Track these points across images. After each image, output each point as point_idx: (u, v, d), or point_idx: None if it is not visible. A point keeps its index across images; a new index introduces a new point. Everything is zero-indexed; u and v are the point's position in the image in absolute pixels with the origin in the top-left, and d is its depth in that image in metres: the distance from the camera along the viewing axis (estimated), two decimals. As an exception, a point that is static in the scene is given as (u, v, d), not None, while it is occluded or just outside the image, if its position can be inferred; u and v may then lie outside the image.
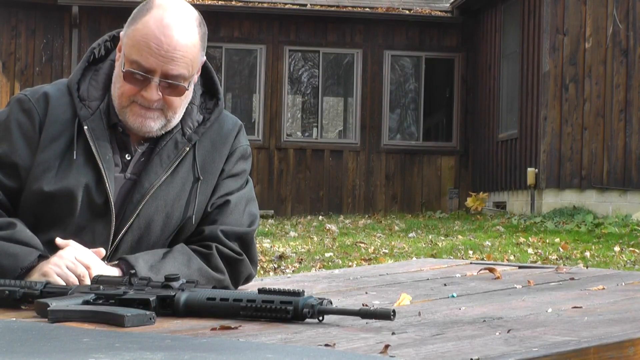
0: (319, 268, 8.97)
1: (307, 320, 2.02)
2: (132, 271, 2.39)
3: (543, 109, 15.20)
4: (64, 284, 2.35)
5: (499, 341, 1.79)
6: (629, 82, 15.25)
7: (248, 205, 2.68)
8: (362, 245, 11.33)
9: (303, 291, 2.05)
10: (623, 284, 2.84)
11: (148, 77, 2.50)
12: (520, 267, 3.39)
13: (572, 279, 2.96)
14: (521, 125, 16.04)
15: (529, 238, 11.82)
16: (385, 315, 1.94)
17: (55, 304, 2.05)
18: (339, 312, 2.02)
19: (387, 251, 10.61)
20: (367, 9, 18.40)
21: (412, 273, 3.18)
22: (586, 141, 15.20)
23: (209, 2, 17.91)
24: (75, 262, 2.40)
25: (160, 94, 2.52)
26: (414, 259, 7.58)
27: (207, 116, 2.67)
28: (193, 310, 2.11)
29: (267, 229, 13.78)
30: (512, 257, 9.76)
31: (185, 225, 2.61)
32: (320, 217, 16.64)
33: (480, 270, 3.12)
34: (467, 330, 1.93)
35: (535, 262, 9.18)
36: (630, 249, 10.67)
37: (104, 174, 2.54)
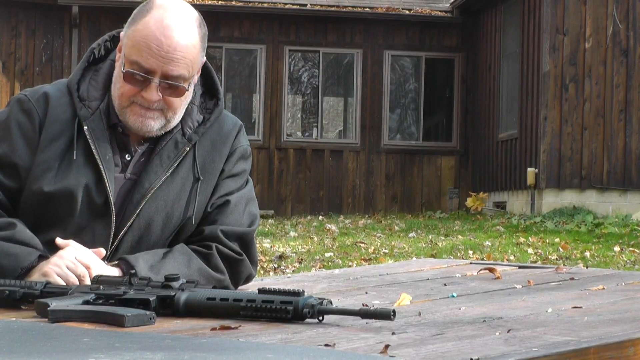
0: (319, 268, 8.97)
1: (307, 320, 2.02)
2: (132, 271, 2.39)
3: (543, 109, 15.20)
4: (64, 284, 2.35)
5: (499, 341, 1.79)
6: (629, 82, 15.25)
7: (248, 205, 2.68)
8: (362, 245, 11.33)
9: (303, 291, 2.05)
10: (623, 284, 2.84)
11: (148, 78, 2.50)
12: (520, 267, 3.39)
13: (572, 279, 2.96)
14: (521, 125, 16.04)
15: (529, 238, 11.82)
16: (385, 315, 1.94)
17: (55, 304, 2.06)
18: (339, 312, 2.02)
19: (387, 251, 10.61)
20: (367, 9, 18.41)
21: (412, 273, 3.18)
22: (586, 141, 15.20)
23: (209, 2, 17.91)
24: (75, 262, 2.40)
25: (160, 94, 2.52)
26: (414, 259, 7.58)
27: (207, 116, 2.67)
28: (193, 310, 2.11)
29: (267, 229, 13.78)
30: (512, 257, 9.76)
31: (185, 226, 2.61)
32: (320, 217, 16.64)
33: (480, 270, 3.12)
34: (467, 330, 1.93)
35: (535, 262, 9.18)
36: (630, 249, 10.67)
37: (104, 174, 2.54)
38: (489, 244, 11.17)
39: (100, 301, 2.13)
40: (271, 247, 11.06)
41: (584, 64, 15.24)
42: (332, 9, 18.26)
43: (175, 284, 2.16)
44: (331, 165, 18.22)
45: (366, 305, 2.24)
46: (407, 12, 18.51)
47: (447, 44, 18.60)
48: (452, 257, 9.70)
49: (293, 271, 8.77)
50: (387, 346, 1.69)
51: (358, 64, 18.43)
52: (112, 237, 2.55)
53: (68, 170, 2.54)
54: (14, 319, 2.07)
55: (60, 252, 2.43)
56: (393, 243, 11.51)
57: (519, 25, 16.35)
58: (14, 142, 2.56)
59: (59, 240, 2.47)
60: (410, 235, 12.88)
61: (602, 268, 8.00)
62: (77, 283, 2.36)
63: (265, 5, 18.17)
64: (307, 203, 18.06)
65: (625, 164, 15.19)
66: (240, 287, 2.65)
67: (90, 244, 2.49)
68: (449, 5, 18.53)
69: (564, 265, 7.57)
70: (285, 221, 16.01)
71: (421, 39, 18.56)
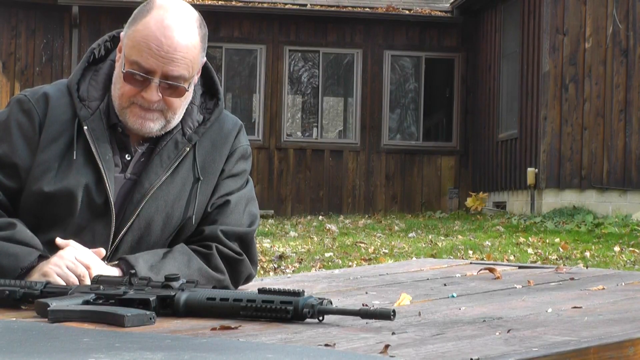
0: (319, 268, 8.97)
1: (307, 320, 2.02)
2: (132, 271, 2.38)
3: (543, 109, 15.20)
4: (64, 284, 2.35)
5: (499, 341, 1.79)
6: (629, 82, 15.25)
7: (248, 205, 2.68)
8: (362, 245, 11.33)
9: (303, 291, 2.05)
10: (623, 284, 2.84)
11: (148, 78, 2.50)
12: (520, 267, 3.39)
13: (572, 279, 2.96)
14: (521, 125, 16.04)
15: (529, 238, 11.82)
16: (385, 315, 1.94)
17: (55, 304, 2.06)
18: (339, 312, 2.02)
19: (387, 251, 10.61)
20: (367, 9, 18.40)
21: (412, 273, 3.18)
22: (586, 141, 15.20)
23: (209, 2, 17.91)
24: (76, 262, 2.40)
25: (160, 94, 2.52)
26: (414, 259, 7.58)
27: (207, 116, 2.67)
28: (193, 310, 2.11)
29: (267, 229, 13.78)
30: (512, 257, 9.76)
31: (186, 226, 2.61)
32: (320, 217, 16.64)
33: (480, 270, 3.12)
34: (467, 330, 1.93)
35: (535, 262, 9.18)
36: (630, 249, 10.67)
37: (103, 174, 2.54)
38: (489, 244, 11.17)
39: (100, 301, 2.13)
40: (271, 247, 11.06)
41: (584, 64, 15.24)
42: (332, 9, 18.26)
43: (175, 284, 2.16)
44: (331, 165, 18.22)
45: (366, 305, 2.24)
46: (407, 12, 18.51)
47: (447, 44, 18.60)
48: (452, 257, 9.70)
49: (293, 271, 8.77)
50: (387, 346, 1.69)
51: (358, 64, 18.43)
52: (112, 237, 2.55)
53: (68, 171, 2.54)
54: (14, 319, 2.07)
55: (60, 252, 2.43)
56: (393, 243, 11.51)
57: (519, 25, 16.35)
58: (14, 143, 2.56)
59: (59, 240, 2.47)
60: (410, 235, 12.88)
61: (602, 268, 8.01)
62: (77, 283, 2.36)
63: (265, 5, 18.18)
64: (307, 203, 18.06)
65: (625, 164, 15.19)
66: (240, 287, 2.65)
67: (90, 244, 2.49)
68: (449, 5, 18.53)
69: (564, 265, 7.57)
70: (285, 221, 16.01)
71: (421, 39, 18.56)
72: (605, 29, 15.23)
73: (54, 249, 2.46)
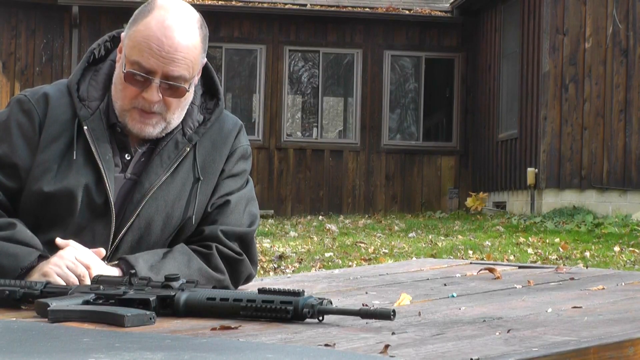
0: (319, 268, 8.97)
1: (307, 320, 2.02)
2: (132, 271, 2.38)
3: (543, 109, 15.20)
4: (64, 284, 2.35)
5: (499, 341, 1.79)
6: (629, 82, 15.25)
7: (248, 205, 2.68)
8: (362, 245, 11.33)
9: (303, 291, 2.05)
10: (623, 284, 2.84)
11: (149, 78, 2.50)
12: (520, 267, 3.38)
13: (572, 279, 2.96)
14: (521, 125, 16.04)
15: (529, 238, 11.82)
16: (385, 315, 1.94)
17: (55, 304, 2.05)
18: (339, 312, 2.02)
19: (387, 251, 10.61)
20: (367, 9, 18.41)
21: (412, 273, 3.18)
22: (586, 141, 15.20)
23: (209, 2, 17.91)
24: (75, 262, 2.40)
25: (161, 95, 2.52)
26: (414, 259, 7.58)
27: (207, 116, 2.67)
28: (193, 310, 2.11)
29: (267, 229, 13.78)
30: (512, 257, 9.76)
31: (185, 226, 2.61)
32: (320, 217, 16.64)
33: (480, 270, 3.12)
34: (467, 330, 1.93)
35: (535, 262, 9.18)
36: (630, 249, 10.67)
37: (103, 174, 2.54)
38: (489, 244, 11.17)
39: (100, 301, 2.13)
40: (271, 247, 11.06)
41: (584, 64, 15.24)
42: (332, 9, 18.26)
43: (175, 284, 2.16)
44: (331, 165, 18.22)
45: (366, 305, 2.24)
46: (407, 12, 18.51)
47: (447, 44, 18.60)
48: (452, 257, 9.70)
49: (293, 271, 8.77)
50: (387, 346, 1.69)
51: (358, 64, 18.43)
52: (112, 237, 2.55)
53: (68, 171, 2.54)
54: (14, 319, 2.07)
55: (60, 252, 2.43)
56: (393, 243, 11.51)
57: (518, 25, 16.35)
58: (14, 143, 2.56)
59: (58, 240, 2.47)
60: (410, 235, 12.88)
61: (602, 268, 8.01)
62: (77, 283, 2.36)
63: (265, 5, 18.17)
64: (307, 203, 18.06)
65: (625, 164, 15.19)
66: (240, 287, 2.65)
67: (90, 244, 2.49)
68: (449, 5, 18.53)
69: (564, 265, 7.57)
70: (285, 221, 16.01)
71: (421, 39, 18.56)
72: (605, 29, 15.23)
73: (54, 249, 2.46)
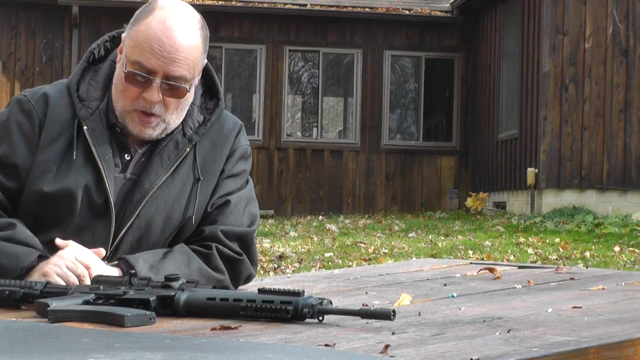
0: (319, 268, 8.97)
1: (307, 320, 2.02)
2: (132, 271, 2.38)
3: (543, 109, 15.20)
4: (64, 284, 2.35)
5: (499, 341, 1.79)
6: (629, 82, 15.25)
7: (248, 205, 2.68)
8: (362, 245, 11.33)
9: (303, 291, 2.05)
10: (623, 284, 2.84)
11: (150, 79, 2.50)
12: (520, 267, 3.38)
13: (572, 279, 2.96)
14: (521, 125, 16.04)
15: (529, 238, 11.82)
16: (385, 315, 1.94)
17: (55, 304, 2.05)
18: (339, 312, 2.02)
19: (387, 251, 10.61)
20: (367, 9, 18.41)
21: (412, 273, 3.18)
22: (586, 141, 15.20)
23: (209, 2, 17.91)
24: (75, 262, 2.40)
25: (161, 95, 2.52)
26: (414, 259, 7.58)
27: (207, 116, 2.67)
28: (193, 310, 2.11)
29: (267, 229, 13.78)
30: (512, 257, 9.76)
31: (185, 226, 2.61)
32: (320, 217, 16.64)
33: (480, 270, 3.12)
34: (467, 330, 1.93)
35: (535, 262, 9.18)
36: (630, 249, 10.67)
37: (103, 174, 2.54)
38: (489, 244, 11.17)
39: (100, 301, 2.13)
40: (271, 247, 11.06)
41: (584, 64, 15.24)
42: (332, 9, 18.26)
43: (175, 284, 2.16)
44: (331, 165, 18.22)
45: (366, 305, 2.24)
46: (407, 12, 18.51)
47: (447, 44, 18.60)
48: (452, 257, 9.70)
49: (293, 271, 8.77)
50: (387, 346, 1.69)
51: (358, 64, 18.43)
52: (112, 237, 2.55)
53: (68, 171, 2.54)
54: (14, 319, 2.07)
55: (60, 252, 2.43)
56: (393, 243, 11.51)
57: (518, 25, 16.35)
58: (14, 143, 2.56)
59: (58, 241, 2.47)
60: (410, 235, 12.88)
61: (602, 268, 8.01)
62: (77, 283, 2.36)
63: (265, 5, 18.17)
64: (307, 203, 18.06)
65: (625, 164, 15.19)
66: (240, 287, 2.65)
67: (90, 244, 2.49)
68: (449, 5, 18.53)
69: (564, 265, 7.57)
70: (285, 221, 16.01)
71: (421, 39, 18.56)
72: (605, 29, 15.23)
73: (54, 249, 2.46)
